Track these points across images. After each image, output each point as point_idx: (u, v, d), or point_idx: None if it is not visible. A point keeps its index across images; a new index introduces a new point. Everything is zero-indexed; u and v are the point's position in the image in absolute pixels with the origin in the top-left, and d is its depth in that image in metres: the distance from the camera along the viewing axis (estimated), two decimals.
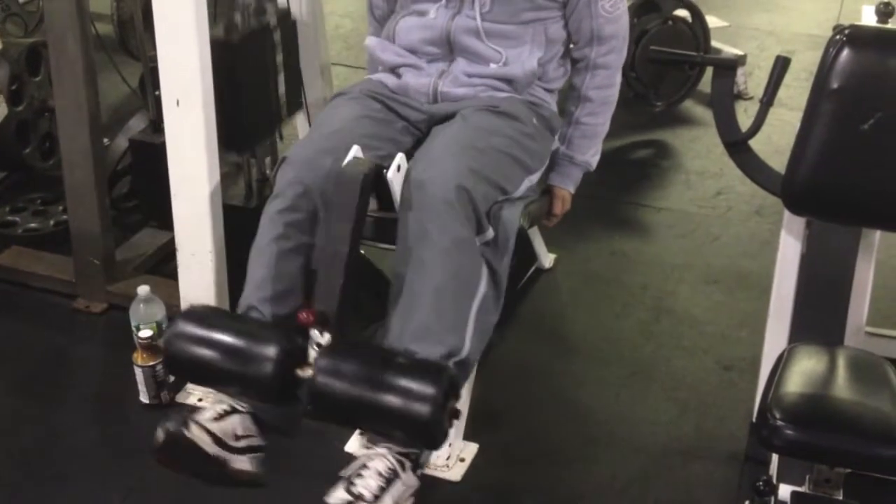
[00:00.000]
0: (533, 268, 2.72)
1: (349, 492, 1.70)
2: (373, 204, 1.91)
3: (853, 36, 1.66)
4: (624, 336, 2.50)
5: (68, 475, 2.08)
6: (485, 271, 1.86)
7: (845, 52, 1.65)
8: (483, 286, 1.85)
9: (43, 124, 2.99)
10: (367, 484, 1.70)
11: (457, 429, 2.08)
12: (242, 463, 1.80)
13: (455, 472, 2.05)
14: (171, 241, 2.24)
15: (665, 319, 2.56)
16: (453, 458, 2.07)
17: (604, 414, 2.25)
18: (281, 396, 1.78)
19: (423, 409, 1.65)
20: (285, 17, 2.48)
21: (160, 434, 1.73)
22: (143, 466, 2.09)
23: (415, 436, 1.72)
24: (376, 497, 1.69)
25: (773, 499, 1.71)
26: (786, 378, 1.52)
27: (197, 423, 1.74)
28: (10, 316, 2.58)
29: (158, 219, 2.63)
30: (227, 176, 2.37)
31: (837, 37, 1.66)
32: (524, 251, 2.69)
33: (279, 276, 1.87)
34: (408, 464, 1.76)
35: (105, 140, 2.59)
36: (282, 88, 2.47)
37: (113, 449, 2.16)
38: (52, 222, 2.83)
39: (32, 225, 2.83)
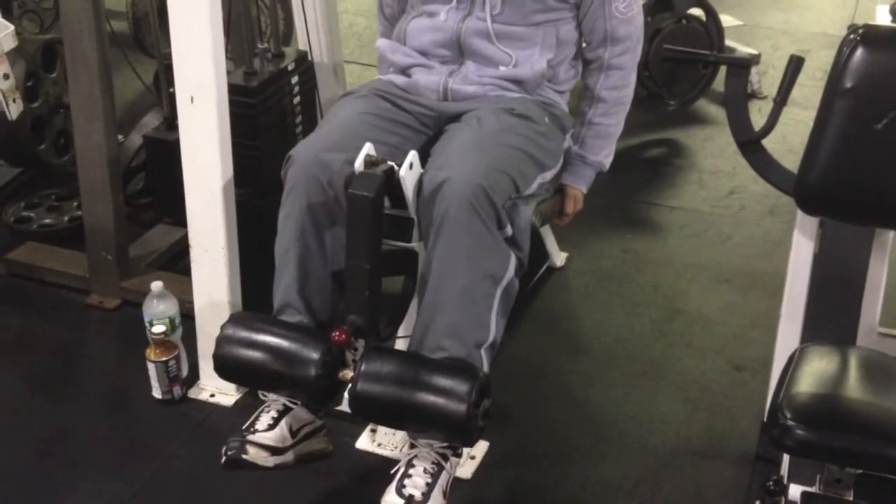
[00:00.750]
0: (544, 266, 2.72)
1: (400, 494, 1.78)
2: (385, 202, 1.91)
3: (867, 35, 1.65)
4: (635, 335, 2.50)
5: (81, 469, 2.09)
6: (512, 259, 1.89)
7: (859, 52, 1.64)
8: (510, 272, 1.89)
9: (58, 121, 3.00)
10: (415, 483, 1.79)
11: None
12: (307, 447, 1.93)
13: (465, 470, 2.06)
14: (185, 238, 2.25)
15: (677, 319, 2.55)
16: (464, 455, 2.07)
17: (614, 413, 2.25)
18: (324, 398, 1.89)
19: (459, 408, 1.73)
20: (303, 59, 2.52)
21: (223, 459, 1.83)
22: (155, 461, 2.10)
23: (451, 434, 1.80)
24: (425, 495, 1.77)
25: (783, 499, 1.70)
26: (797, 378, 1.52)
27: (253, 443, 1.84)
28: (25, 311, 2.59)
29: (172, 215, 2.65)
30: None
31: (851, 36, 1.66)
32: (536, 250, 2.69)
33: (307, 274, 1.93)
34: (449, 454, 1.84)
35: (119, 137, 2.60)
36: (298, 130, 2.52)
37: (125, 444, 2.17)
38: (66, 218, 2.84)
39: (47, 221, 2.85)
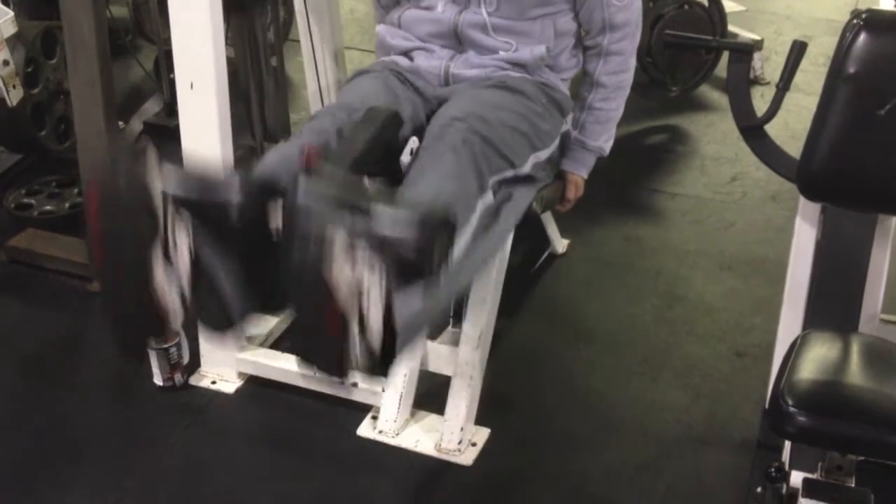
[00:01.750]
0: (546, 253, 2.71)
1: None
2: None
3: (870, 21, 1.64)
4: (637, 322, 2.50)
5: (81, 456, 2.09)
6: (476, 212, 1.82)
7: (862, 37, 1.63)
8: (474, 221, 1.80)
9: (58, 107, 3.00)
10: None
11: (468, 413, 2.08)
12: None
13: (466, 457, 2.06)
14: None
15: (678, 306, 2.55)
16: (465, 442, 2.08)
17: (616, 400, 2.25)
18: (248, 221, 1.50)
19: (410, 232, 1.40)
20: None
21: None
22: (156, 448, 2.10)
23: (399, 257, 1.41)
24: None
25: (785, 486, 1.70)
26: (799, 365, 1.52)
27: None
28: (25, 298, 2.59)
29: None
30: (241, 159, 2.38)
31: (854, 21, 1.65)
32: (537, 237, 2.69)
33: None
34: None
35: (120, 123, 2.60)
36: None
37: (126, 431, 2.17)
38: (67, 205, 2.84)
39: (48, 207, 2.84)
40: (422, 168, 1.83)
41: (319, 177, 1.47)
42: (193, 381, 2.28)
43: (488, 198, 1.88)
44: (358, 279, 1.38)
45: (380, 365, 1.43)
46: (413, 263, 1.42)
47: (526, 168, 2.00)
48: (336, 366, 1.42)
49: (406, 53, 2.14)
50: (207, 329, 1.61)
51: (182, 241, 1.48)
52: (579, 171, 2.24)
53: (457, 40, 2.10)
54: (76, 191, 2.81)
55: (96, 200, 1.46)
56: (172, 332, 1.71)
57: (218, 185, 1.49)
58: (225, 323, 1.55)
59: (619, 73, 2.17)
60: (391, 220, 1.40)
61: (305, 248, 1.39)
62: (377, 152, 1.77)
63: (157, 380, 2.25)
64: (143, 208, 1.44)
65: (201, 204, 1.48)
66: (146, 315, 1.50)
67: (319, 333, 1.41)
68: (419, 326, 1.55)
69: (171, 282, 1.48)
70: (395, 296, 1.41)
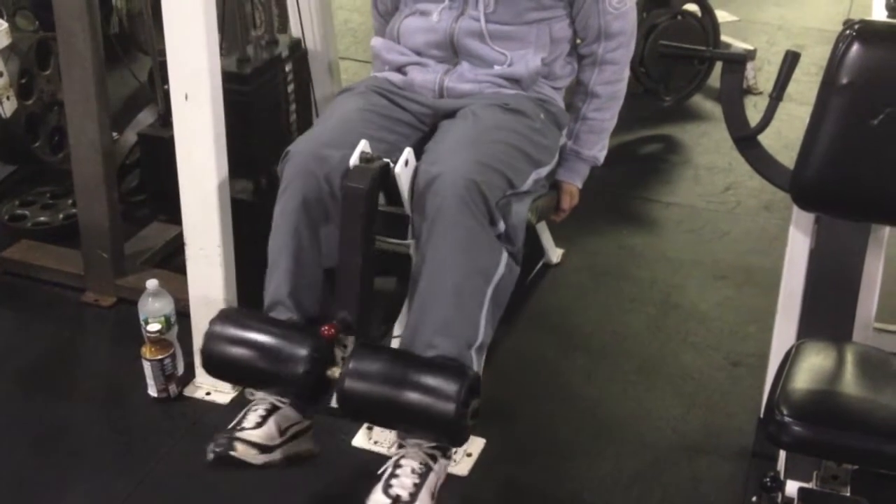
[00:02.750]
0: (540, 263, 2.72)
1: (387, 494, 1.75)
2: (381, 199, 1.91)
3: (863, 31, 1.65)
4: (631, 331, 2.50)
5: (76, 468, 2.09)
6: (504, 256, 1.88)
7: (855, 48, 1.64)
8: (501, 269, 1.87)
9: (52, 118, 3.00)
10: (402, 483, 1.76)
11: None
12: (294, 447, 1.89)
13: (462, 467, 2.06)
14: (180, 235, 2.24)
15: (673, 315, 2.55)
16: (460, 452, 2.07)
17: (611, 409, 2.25)
18: (312, 396, 1.88)
19: (447, 407, 1.72)
20: (297, 47, 2.50)
21: (210, 456, 1.80)
22: (151, 460, 2.10)
23: (439, 433, 1.79)
24: (413, 495, 1.75)
25: (780, 495, 1.70)
26: (794, 374, 1.52)
27: (241, 440, 1.81)
28: (20, 309, 2.59)
29: (167, 213, 2.64)
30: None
31: (847, 32, 1.65)
32: (532, 246, 2.69)
33: (299, 271, 1.91)
34: (438, 455, 1.82)
35: (114, 134, 2.60)
36: (293, 118, 2.49)
37: (121, 442, 2.16)
38: (61, 216, 2.84)
39: (42, 218, 2.84)
40: (433, 257, 1.83)
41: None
42: (188, 392, 2.27)
43: (500, 227, 1.89)
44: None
45: None
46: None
47: (526, 186, 2.01)
48: None
49: (400, 69, 2.15)
50: None
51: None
52: (574, 181, 2.25)
53: (452, 51, 2.10)
54: (70, 202, 2.81)
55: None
56: None
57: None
58: None
59: (613, 82, 2.18)
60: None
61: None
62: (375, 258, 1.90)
63: (152, 391, 2.24)
64: None
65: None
66: None
67: None
68: None
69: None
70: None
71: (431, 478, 1.79)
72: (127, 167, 2.80)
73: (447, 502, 2.00)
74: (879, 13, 2.17)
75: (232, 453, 1.80)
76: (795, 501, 1.59)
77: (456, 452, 2.06)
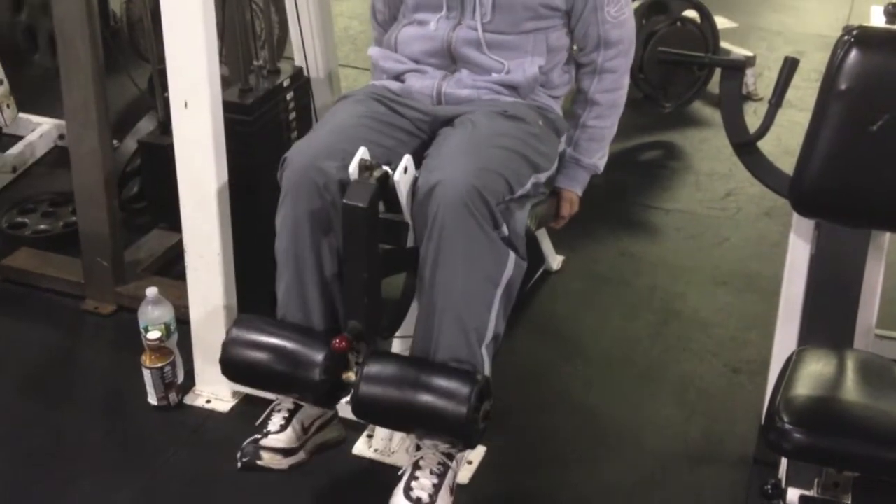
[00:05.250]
0: (541, 270, 2.71)
1: (408, 497, 1.82)
2: (380, 206, 1.91)
3: (861, 37, 1.65)
4: (632, 338, 2.50)
5: (76, 476, 2.08)
6: (511, 257, 1.90)
7: (853, 53, 1.64)
8: (509, 269, 1.89)
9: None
10: (423, 485, 1.83)
11: None
12: (321, 437, 1.99)
13: (463, 475, 2.05)
14: (180, 243, 2.24)
15: (673, 321, 2.55)
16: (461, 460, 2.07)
17: (611, 416, 2.25)
18: (329, 398, 1.93)
19: (459, 410, 1.77)
20: (298, 75, 2.51)
21: (238, 465, 1.91)
22: (151, 468, 2.09)
23: (452, 436, 1.84)
24: (432, 496, 1.82)
25: (781, 502, 1.70)
26: (794, 381, 1.52)
27: (266, 448, 1.91)
28: (19, 317, 2.58)
29: (167, 220, 2.64)
30: None
31: (846, 38, 1.65)
32: (532, 253, 2.68)
33: (304, 277, 1.94)
34: (455, 452, 1.89)
35: (114, 141, 2.60)
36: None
37: (121, 451, 2.16)
38: (61, 224, 2.83)
39: (42, 226, 2.84)
40: (440, 265, 1.84)
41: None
42: (188, 400, 2.27)
43: (504, 230, 1.90)
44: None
45: None
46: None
47: (525, 190, 2.00)
48: None
49: (398, 77, 2.15)
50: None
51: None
52: (573, 188, 2.24)
53: (450, 59, 2.10)
54: (70, 209, 2.81)
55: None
56: None
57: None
58: None
59: (613, 90, 2.17)
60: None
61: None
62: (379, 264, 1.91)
63: (152, 399, 2.24)
64: None
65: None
66: None
67: None
68: None
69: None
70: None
71: (449, 475, 1.86)
72: (127, 175, 2.80)
73: None
74: (878, 19, 2.17)
75: (259, 462, 1.89)
76: None
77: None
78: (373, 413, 1.89)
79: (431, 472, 1.84)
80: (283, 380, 1.90)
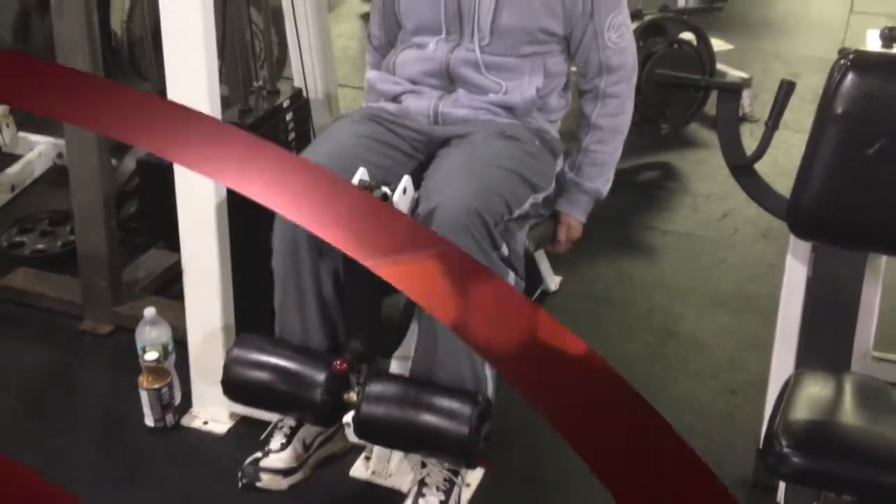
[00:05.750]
0: (539, 290, 2.71)
1: None
2: None
3: (857, 60, 1.66)
4: (630, 359, 2.49)
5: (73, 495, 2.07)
6: (510, 276, 1.92)
7: (850, 77, 1.65)
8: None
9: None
10: (430, 502, 1.85)
11: None
12: (325, 452, 2.00)
13: (462, 497, 2.04)
14: (178, 263, 2.24)
15: (671, 342, 2.55)
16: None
17: None
18: (330, 418, 1.93)
19: (461, 430, 1.79)
20: (298, 96, 2.52)
21: (239, 485, 1.92)
22: (147, 489, 2.08)
23: (453, 456, 1.86)
24: None
25: None
26: (792, 404, 1.52)
27: (266, 469, 1.90)
28: (17, 336, 2.58)
29: (166, 240, 2.63)
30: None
31: (842, 61, 1.67)
32: (530, 274, 2.68)
33: (302, 295, 1.95)
34: (459, 470, 1.91)
35: (113, 161, 2.60)
36: None
37: (117, 472, 2.15)
38: (59, 243, 2.83)
39: (40, 246, 2.84)
40: None
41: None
42: (185, 421, 2.26)
43: (503, 251, 1.90)
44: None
45: None
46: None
47: (523, 210, 2.01)
48: None
49: (395, 98, 2.16)
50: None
51: None
52: (573, 213, 2.23)
53: (448, 79, 2.11)
54: (68, 229, 2.81)
55: None
56: None
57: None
58: None
59: (615, 115, 2.18)
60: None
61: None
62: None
63: (149, 420, 2.23)
64: None
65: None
66: None
67: None
68: None
69: None
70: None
71: (455, 490, 1.89)
72: (126, 194, 2.80)
73: None
74: (874, 42, 2.18)
75: (258, 484, 1.89)
76: None
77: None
78: (374, 433, 1.89)
79: (438, 489, 1.87)
80: (284, 400, 1.91)
